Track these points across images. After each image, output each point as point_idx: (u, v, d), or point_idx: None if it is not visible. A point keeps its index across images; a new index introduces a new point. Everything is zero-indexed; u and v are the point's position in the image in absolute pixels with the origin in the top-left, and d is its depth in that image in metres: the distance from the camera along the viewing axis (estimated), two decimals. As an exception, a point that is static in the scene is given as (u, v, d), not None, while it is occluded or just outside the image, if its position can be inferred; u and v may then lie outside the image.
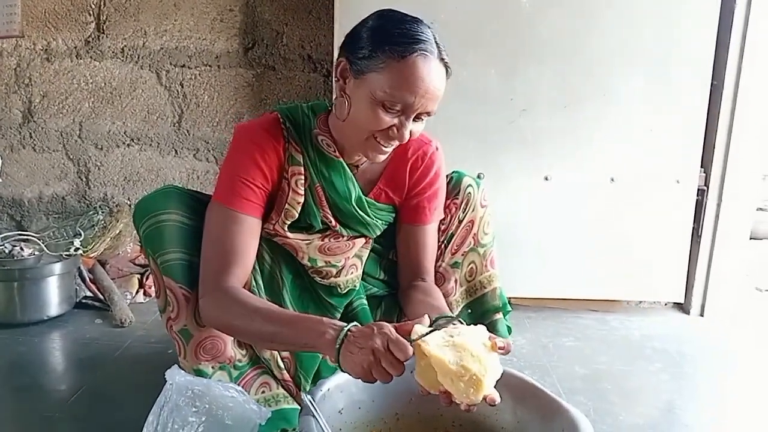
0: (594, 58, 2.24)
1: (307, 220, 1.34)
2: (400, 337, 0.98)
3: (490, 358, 1.00)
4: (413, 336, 1.00)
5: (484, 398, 0.97)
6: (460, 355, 0.98)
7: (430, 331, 1.01)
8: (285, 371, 1.37)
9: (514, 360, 1.90)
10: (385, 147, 1.23)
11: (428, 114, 1.20)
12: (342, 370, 1.03)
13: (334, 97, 1.33)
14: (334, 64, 1.25)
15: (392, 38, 1.14)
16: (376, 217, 1.38)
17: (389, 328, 1.00)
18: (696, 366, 1.99)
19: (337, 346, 1.02)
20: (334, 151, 1.31)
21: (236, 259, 1.23)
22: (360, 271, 1.45)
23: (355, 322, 1.06)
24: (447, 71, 1.20)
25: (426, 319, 1.04)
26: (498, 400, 0.98)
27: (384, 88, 1.14)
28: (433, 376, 0.99)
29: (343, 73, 1.22)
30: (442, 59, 1.17)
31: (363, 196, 1.36)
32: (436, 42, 1.17)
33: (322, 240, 1.37)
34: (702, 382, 1.89)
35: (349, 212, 1.35)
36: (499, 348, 1.02)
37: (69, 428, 1.50)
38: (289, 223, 1.32)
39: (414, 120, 1.20)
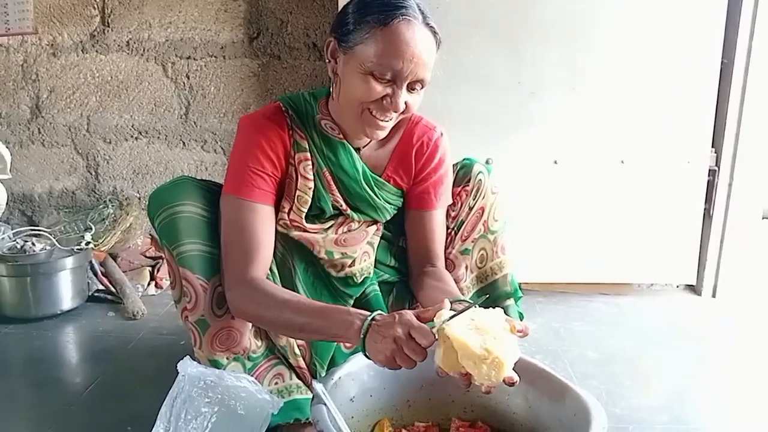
0: (601, 38, 2.22)
1: (318, 205, 1.35)
2: (422, 324, 1.00)
3: (510, 340, 1.01)
4: (436, 321, 1.01)
5: (503, 380, 0.98)
6: (483, 338, 0.99)
7: (453, 316, 1.01)
8: (301, 358, 1.38)
9: (525, 345, 1.90)
10: (382, 121, 1.23)
11: (421, 83, 1.21)
12: (368, 359, 1.06)
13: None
14: (324, 45, 1.26)
15: (374, 8, 1.16)
16: (384, 199, 1.39)
17: (411, 315, 1.02)
18: (709, 347, 1.98)
19: (362, 335, 1.04)
20: (338, 134, 1.33)
21: (257, 249, 1.25)
22: (372, 259, 1.46)
23: (379, 311, 1.08)
24: (435, 38, 1.21)
25: (447, 304, 1.05)
26: (517, 380, 0.99)
27: (371, 57, 1.15)
28: (454, 359, 0.99)
29: (333, 53, 1.24)
30: (427, 24, 1.19)
31: (370, 172, 1.37)
32: (420, 9, 1.19)
33: (337, 233, 1.38)
34: (715, 364, 1.88)
35: (358, 193, 1.35)
36: (518, 331, 1.03)
37: (83, 420, 1.51)
38: (305, 211, 1.33)
39: (409, 91, 1.20)
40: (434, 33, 1.20)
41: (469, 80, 2.25)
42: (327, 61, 1.26)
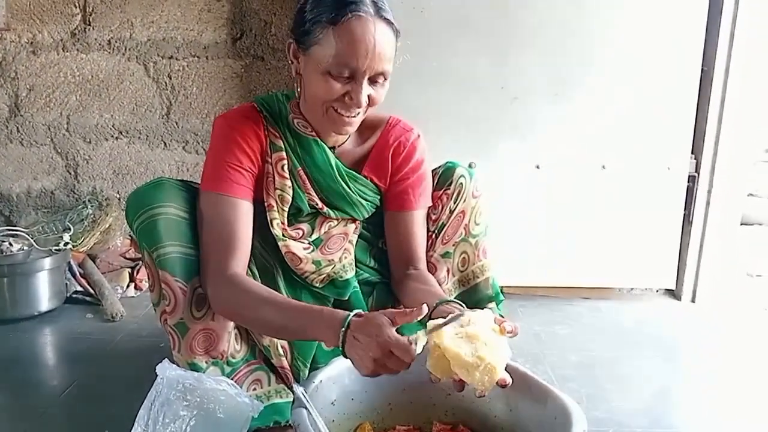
0: (584, 45, 2.24)
1: (295, 204, 1.36)
2: (401, 340, 0.98)
3: (501, 342, 1.02)
4: (421, 333, 1.01)
5: (497, 382, 0.99)
6: (475, 345, 1.00)
7: (440, 326, 1.01)
8: (283, 358, 1.37)
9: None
10: (347, 117, 1.24)
11: (383, 75, 1.21)
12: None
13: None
14: (286, 46, 1.27)
15: (325, 7, 1.17)
16: (359, 194, 1.39)
17: (389, 332, 0.99)
18: (688, 351, 2.00)
19: (340, 343, 1.03)
20: (311, 131, 1.34)
21: (236, 244, 1.25)
22: (352, 256, 1.46)
23: (357, 311, 1.07)
24: (392, 28, 1.21)
25: (425, 308, 1.03)
26: (510, 381, 1.00)
27: (327, 57, 1.17)
28: (446, 366, 1.00)
29: (295, 54, 1.25)
30: (381, 16, 1.18)
31: (343, 167, 1.37)
32: (374, 1, 1.18)
33: (319, 232, 1.40)
34: (694, 368, 1.90)
35: (333, 189, 1.36)
36: (508, 332, 1.04)
37: (61, 423, 1.49)
38: (286, 210, 1.34)
39: (371, 84, 1.21)
40: (390, 24, 1.20)
41: (454, 84, 2.25)
42: (290, 62, 1.27)
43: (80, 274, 2.34)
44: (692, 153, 2.35)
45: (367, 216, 1.45)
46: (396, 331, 1.00)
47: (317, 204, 1.37)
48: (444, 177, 1.47)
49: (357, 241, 1.48)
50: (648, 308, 2.39)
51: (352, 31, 1.15)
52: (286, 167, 1.33)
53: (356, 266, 1.48)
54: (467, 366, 0.97)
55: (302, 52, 1.22)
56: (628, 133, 2.29)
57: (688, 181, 2.36)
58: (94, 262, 2.45)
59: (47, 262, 2.13)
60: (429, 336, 1.00)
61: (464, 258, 1.49)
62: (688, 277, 2.43)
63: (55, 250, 2.22)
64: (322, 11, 1.17)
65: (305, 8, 1.21)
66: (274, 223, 1.34)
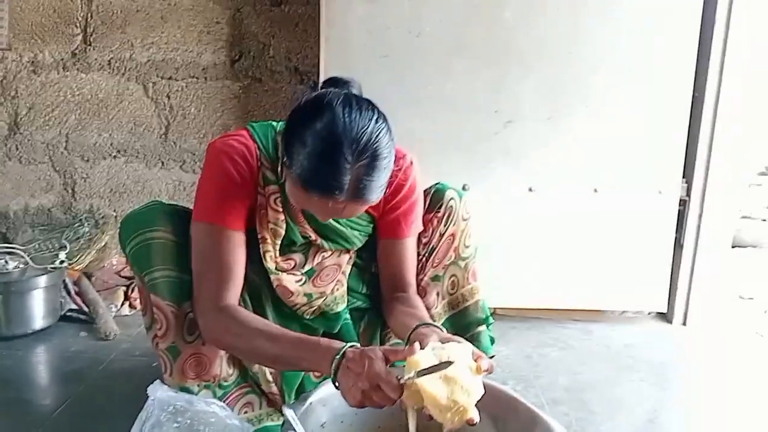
0: (577, 70, 2.26)
1: (289, 237, 1.35)
2: (391, 377, 1.00)
3: (475, 383, 1.03)
4: (408, 369, 1.02)
5: (466, 420, 1.00)
6: (451, 388, 1.01)
7: (425, 372, 1.01)
8: (273, 385, 1.38)
9: (497, 371, 1.88)
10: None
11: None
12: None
13: None
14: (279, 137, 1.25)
15: (303, 167, 1.10)
16: (351, 227, 1.38)
17: (379, 366, 1.01)
18: (679, 375, 2.01)
19: (333, 370, 1.05)
20: None
21: (230, 276, 1.24)
22: (345, 288, 1.46)
23: (351, 344, 1.08)
24: (372, 200, 1.14)
25: (416, 347, 1.04)
26: (477, 420, 1.01)
27: (295, 198, 1.17)
28: (419, 400, 1.02)
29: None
30: (358, 199, 1.11)
31: None
32: (358, 180, 1.09)
33: (312, 263, 1.40)
34: (685, 392, 1.90)
35: (324, 224, 1.35)
36: (484, 370, 1.05)
37: (53, 443, 1.50)
38: (279, 243, 1.34)
39: None
40: (369, 198, 1.13)
41: (448, 108, 2.27)
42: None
43: (75, 292, 2.34)
44: (683, 177, 2.36)
45: (360, 245, 1.44)
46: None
47: (310, 236, 1.36)
48: (434, 199, 1.47)
49: (351, 269, 1.48)
50: (639, 331, 2.39)
51: (318, 203, 1.12)
52: (279, 201, 1.31)
53: (350, 294, 1.48)
54: (441, 407, 1.00)
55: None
56: (619, 157, 2.31)
57: (680, 205, 2.38)
58: (90, 281, 2.46)
59: (43, 280, 2.14)
60: (407, 368, 1.02)
61: (454, 281, 1.50)
62: (679, 300, 2.44)
63: (51, 268, 2.23)
64: (297, 157, 1.10)
65: (294, 133, 1.13)
66: (267, 256, 1.33)
